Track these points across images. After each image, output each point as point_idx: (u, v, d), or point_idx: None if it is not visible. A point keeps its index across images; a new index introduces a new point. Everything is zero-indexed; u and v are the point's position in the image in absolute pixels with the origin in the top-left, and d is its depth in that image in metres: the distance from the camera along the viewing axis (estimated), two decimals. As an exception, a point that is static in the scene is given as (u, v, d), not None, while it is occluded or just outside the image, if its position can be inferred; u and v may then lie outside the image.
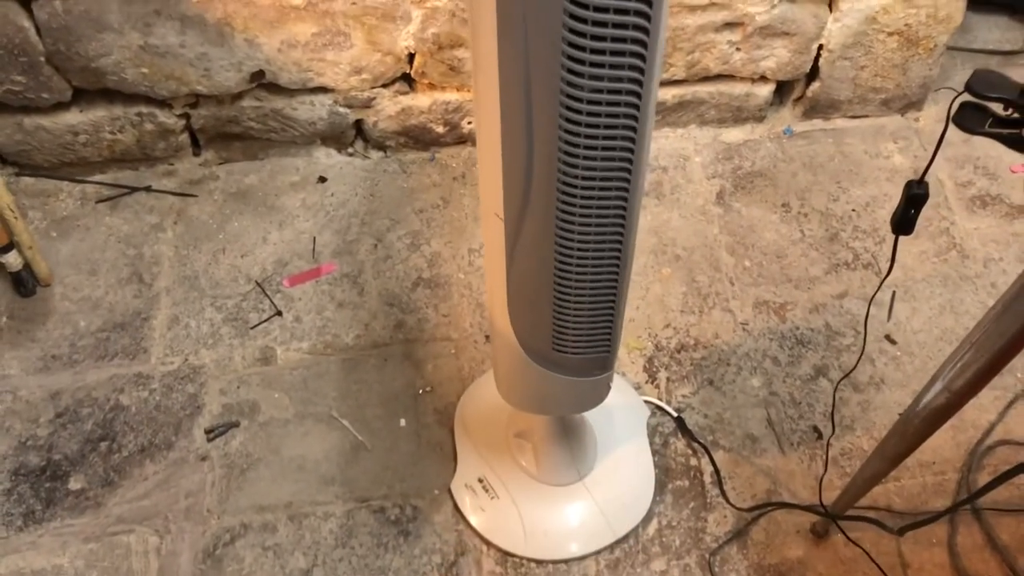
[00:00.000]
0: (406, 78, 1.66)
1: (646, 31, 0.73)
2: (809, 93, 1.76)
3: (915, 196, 0.87)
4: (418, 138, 1.77)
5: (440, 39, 1.58)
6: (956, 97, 0.79)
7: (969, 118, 0.78)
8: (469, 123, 1.74)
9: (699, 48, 1.63)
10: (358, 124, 1.74)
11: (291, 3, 1.49)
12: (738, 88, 1.73)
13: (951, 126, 0.81)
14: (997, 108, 0.78)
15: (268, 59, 1.57)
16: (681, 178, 1.77)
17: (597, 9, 0.70)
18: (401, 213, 1.72)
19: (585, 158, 0.81)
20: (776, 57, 1.67)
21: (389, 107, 1.70)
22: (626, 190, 0.85)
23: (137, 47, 1.52)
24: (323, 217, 1.71)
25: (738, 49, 1.64)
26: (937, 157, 1.67)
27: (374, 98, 1.68)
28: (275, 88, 1.64)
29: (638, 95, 0.77)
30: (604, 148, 0.80)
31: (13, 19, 1.46)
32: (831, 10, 1.61)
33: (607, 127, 0.80)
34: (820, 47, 1.67)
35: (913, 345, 1.53)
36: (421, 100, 1.69)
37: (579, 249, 0.89)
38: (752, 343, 1.54)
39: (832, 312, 1.58)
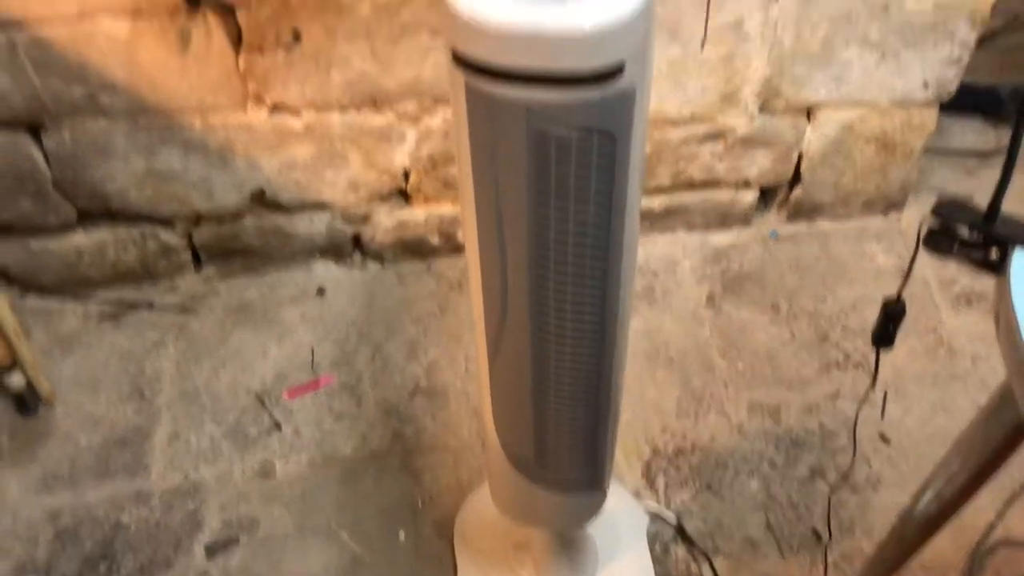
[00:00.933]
0: (402, 193, 1.72)
1: (611, 168, 0.77)
2: (792, 197, 1.81)
3: (893, 312, 0.90)
4: (415, 249, 1.81)
5: (434, 157, 1.63)
6: (923, 222, 0.83)
7: (938, 242, 0.82)
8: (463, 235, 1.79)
9: (683, 159, 1.69)
10: (356, 237, 1.79)
11: (291, 128, 1.55)
12: (723, 194, 1.79)
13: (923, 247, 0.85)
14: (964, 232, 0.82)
15: (269, 179, 1.63)
16: (671, 282, 1.81)
17: (559, 143, 0.75)
18: (399, 322, 1.75)
19: (556, 281, 0.85)
20: (758, 165, 1.73)
21: (386, 221, 1.75)
22: (600, 312, 0.88)
23: (142, 172, 1.58)
24: (322, 329, 1.74)
25: (721, 159, 1.70)
26: (923, 256, 1.71)
27: (371, 213, 1.73)
28: (275, 206, 1.69)
29: (606, 225, 0.81)
30: (574, 273, 0.84)
31: (23, 149, 1.52)
32: (809, 120, 1.68)
33: (575, 255, 0.84)
34: (800, 155, 1.73)
35: (907, 444, 1.55)
36: (417, 213, 1.75)
37: (555, 367, 0.92)
38: (748, 446, 1.55)
39: (826, 413, 1.60)
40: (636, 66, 0.72)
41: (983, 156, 2.00)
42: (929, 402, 1.60)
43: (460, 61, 0.75)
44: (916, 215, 1.91)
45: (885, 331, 0.91)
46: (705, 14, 1.45)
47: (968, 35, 1.54)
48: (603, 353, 0.96)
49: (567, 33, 0.68)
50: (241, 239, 1.75)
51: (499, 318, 0.95)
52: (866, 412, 1.59)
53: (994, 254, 0.79)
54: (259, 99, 1.51)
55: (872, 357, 1.64)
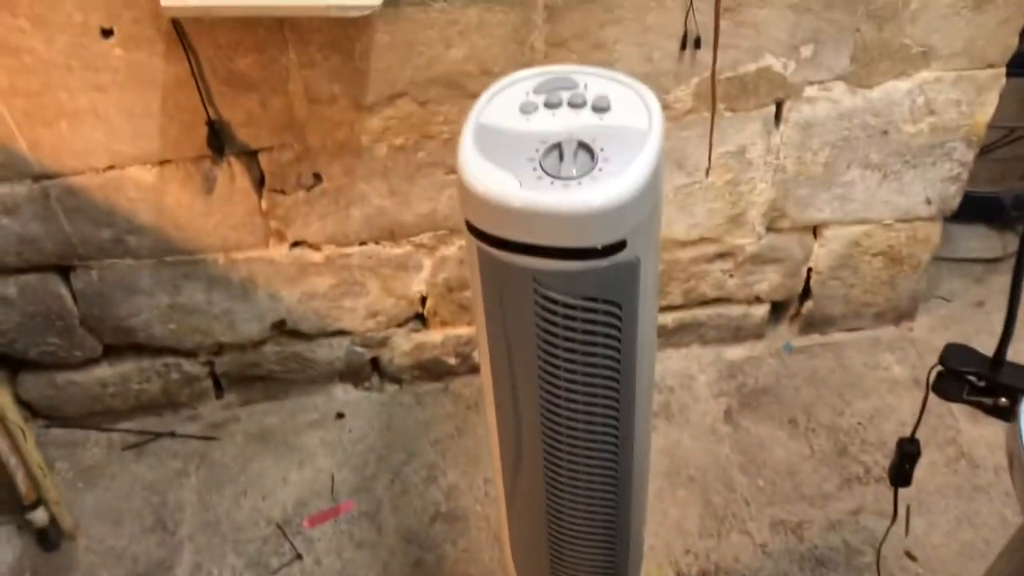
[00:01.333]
0: (419, 317, 1.75)
1: (617, 333, 0.81)
2: (804, 311, 1.84)
3: (908, 452, 0.91)
4: (431, 370, 1.83)
5: (450, 282, 1.67)
6: (933, 368, 0.85)
7: (947, 388, 0.84)
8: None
9: (694, 277, 1.73)
10: (374, 360, 1.81)
11: (311, 261, 1.60)
12: (735, 310, 1.81)
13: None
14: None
15: (289, 309, 1.67)
16: (688, 398, 1.82)
17: (566, 309, 0.78)
18: (417, 445, 1.76)
19: (567, 429, 0.88)
20: (769, 281, 1.76)
21: (404, 344, 1.78)
22: (613, 457, 0.91)
23: (166, 306, 1.62)
24: (341, 454, 1.75)
25: (731, 276, 1.74)
26: (934, 362, 1.72)
27: (389, 337, 1.76)
28: (295, 334, 1.73)
29: (615, 382, 0.84)
30: (585, 423, 0.88)
31: (52, 289, 1.56)
32: (816, 237, 1.71)
33: (585, 408, 0.87)
34: (809, 270, 1.77)
35: (934, 561, 1.53)
36: (434, 336, 1.78)
37: (570, 507, 0.95)
38: (772, 566, 1.54)
39: (849, 529, 1.59)
40: (640, 239, 0.76)
41: (989, 263, 2.03)
42: (954, 516, 1.59)
43: (473, 230, 0.80)
44: (927, 323, 1.92)
45: (901, 470, 0.92)
46: (709, 145, 1.50)
47: (965, 154, 1.59)
48: (619, 493, 0.97)
49: (569, 214, 0.72)
50: (262, 366, 1.78)
51: (514, 457, 0.97)
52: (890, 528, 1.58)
53: (1003, 401, 0.81)
54: (281, 236, 1.56)
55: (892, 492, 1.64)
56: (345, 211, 1.54)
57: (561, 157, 0.74)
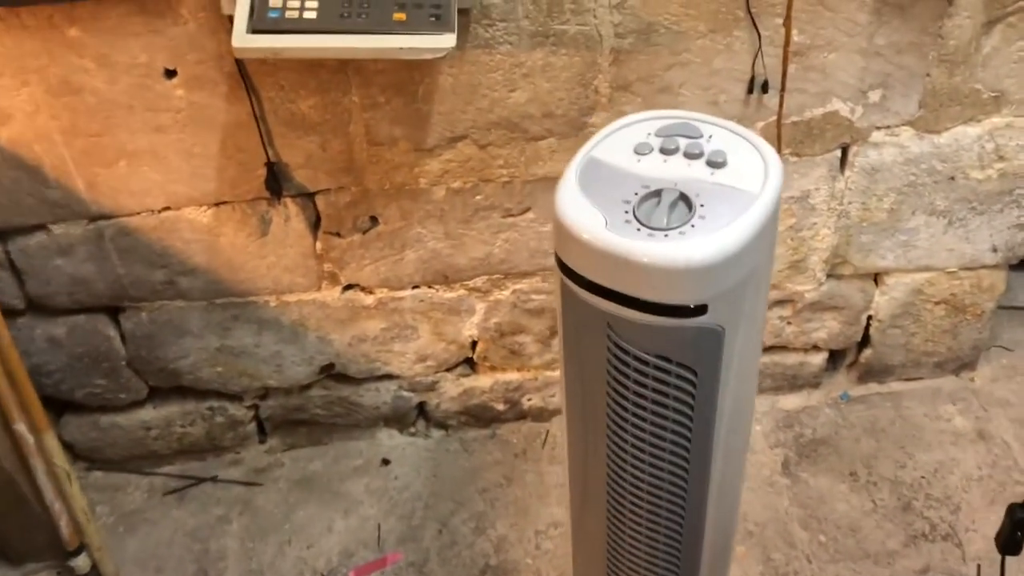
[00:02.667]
0: (468, 361, 1.72)
1: (691, 400, 0.77)
2: (862, 359, 1.79)
3: (1021, 520, 0.86)
4: (479, 416, 1.80)
5: (502, 327, 1.64)
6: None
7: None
8: (529, 400, 1.77)
9: (752, 325, 1.68)
10: (420, 405, 1.78)
11: (362, 303, 1.57)
12: (792, 358, 1.77)
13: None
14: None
15: (338, 353, 1.64)
16: (743, 448, 1.77)
17: (638, 361, 0.75)
18: (465, 494, 1.71)
19: (632, 481, 0.85)
20: (827, 328, 1.72)
21: (452, 389, 1.74)
22: (678, 520, 0.87)
23: (214, 349, 1.59)
24: (387, 502, 1.71)
25: (789, 323, 1.69)
26: (1001, 417, 1.67)
27: (437, 381, 1.73)
28: (343, 378, 1.69)
29: (684, 448, 0.80)
30: (651, 483, 0.84)
31: (101, 330, 1.54)
32: (877, 284, 1.67)
33: (652, 463, 0.84)
34: (869, 317, 1.72)
35: (1008, 624, 1.46)
36: (483, 381, 1.74)
37: (630, 556, 0.91)
38: (838, 628, 1.48)
39: (917, 589, 1.52)
40: (726, 307, 0.72)
41: (1051, 311, 1.98)
42: (1026, 577, 1.53)
43: (558, 261, 0.77)
44: (989, 373, 1.87)
45: (1012, 537, 0.87)
46: (773, 188, 1.47)
47: (1035, 200, 1.55)
48: (682, 559, 0.93)
49: (645, 265, 0.69)
50: (307, 410, 1.74)
51: (581, 499, 0.94)
52: (960, 589, 1.52)
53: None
54: (334, 278, 1.53)
55: (961, 520, 1.58)
56: (399, 254, 1.51)
57: (658, 205, 0.71)
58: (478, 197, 1.45)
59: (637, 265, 0.69)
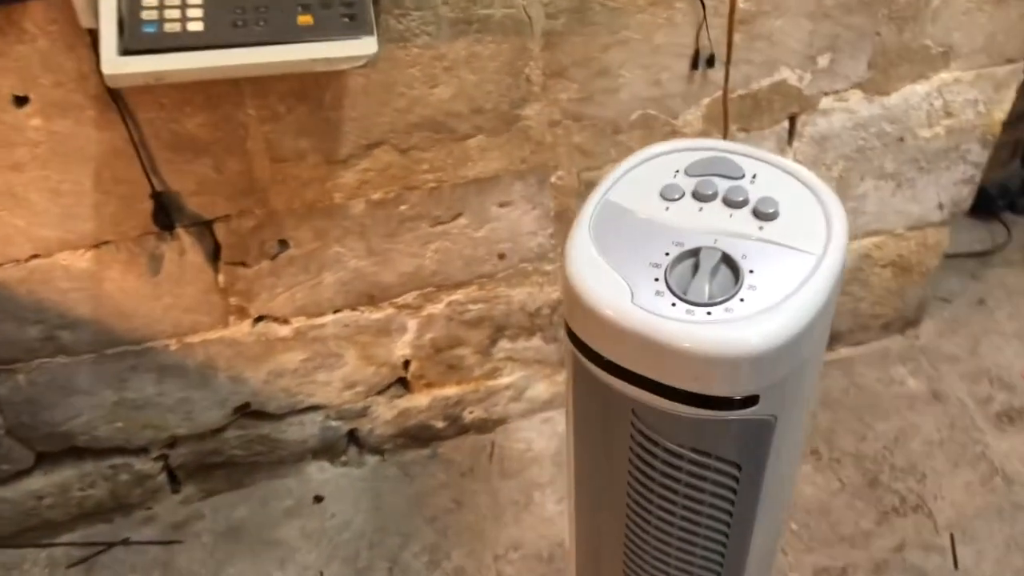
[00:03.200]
0: (402, 382, 1.56)
1: (733, 490, 0.64)
2: (811, 330, 1.71)
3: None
4: (417, 436, 1.64)
5: (438, 343, 1.49)
6: None
7: None
8: (471, 412, 1.63)
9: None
10: (351, 433, 1.61)
11: (278, 335, 1.38)
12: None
13: None
14: None
15: (254, 391, 1.45)
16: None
17: (669, 454, 0.62)
18: (411, 525, 1.57)
19: None
20: (776, 304, 1.62)
21: (385, 412, 1.58)
22: None
23: (111, 404, 1.39)
24: (327, 545, 1.54)
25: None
26: (952, 375, 1.62)
27: (369, 406, 1.56)
28: (261, 415, 1.51)
29: (720, 543, 0.68)
30: None
31: (-30, 402, 1.31)
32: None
33: (679, 565, 0.71)
34: (818, 288, 1.64)
35: (990, 594, 1.43)
36: (419, 400, 1.58)
37: None
38: (824, 621, 1.41)
39: (896, 569, 1.47)
40: (781, 395, 0.59)
41: (982, 256, 1.95)
42: (1000, 540, 1.49)
43: (569, 333, 0.62)
44: (933, 328, 1.83)
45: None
46: (721, 168, 1.35)
47: (980, 155, 1.49)
48: None
49: (685, 352, 0.55)
50: (223, 452, 1.55)
51: None
52: (937, 562, 1.47)
53: None
54: (242, 312, 1.34)
55: (929, 488, 1.53)
56: (316, 278, 1.33)
57: (695, 270, 0.57)
58: (403, 207, 1.29)
59: (675, 351, 0.55)
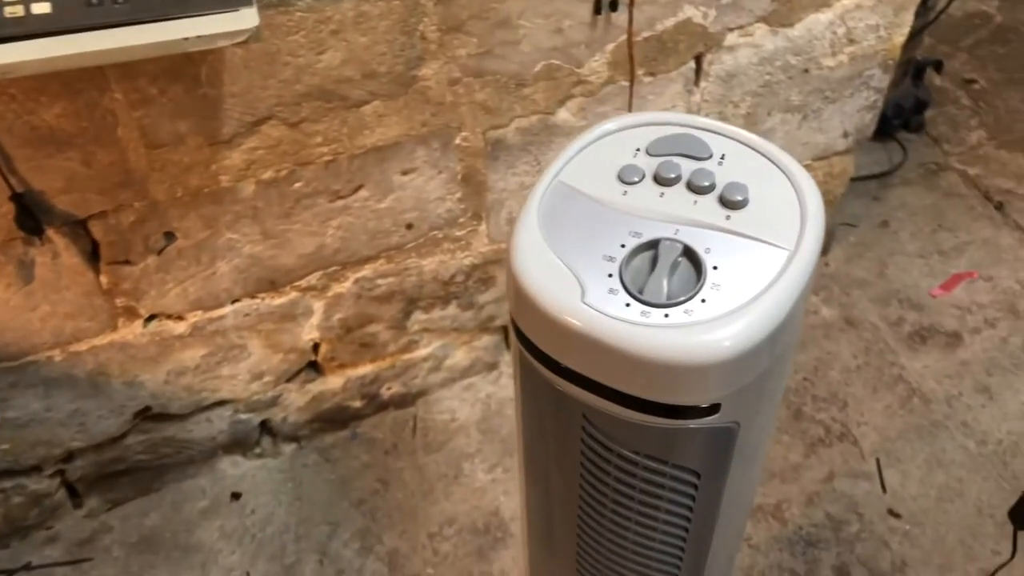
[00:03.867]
0: (313, 365, 1.47)
1: (691, 496, 0.60)
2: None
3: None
4: (334, 419, 1.57)
5: (348, 322, 1.40)
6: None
7: None
8: (389, 388, 1.56)
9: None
10: (264, 423, 1.52)
11: (173, 333, 1.28)
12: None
13: None
14: None
15: (154, 393, 1.34)
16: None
17: (623, 460, 0.57)
18: (338, 511, 1.50)
19: None
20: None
21: (298, 399, 1.49)
22: None
23: (-8, 427, 1.26)
24: (250, 543, 1.46)
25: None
26: (863, 300, 1.63)
27: (279, 395, 1.47)
28: (165, 417, 1.40)
29: (676, 552, 0.64)
30: None
31: None
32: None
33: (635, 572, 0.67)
34: (730, 226, 1.62)
35: (918, 514, 1.46)
36: (333, 382, 1.50)
37: None
38: (763, 560, 1.42)
39: (828, 499, 1.48)
40: (745, 401, 0.54)
41: (881, 177, 1.97)
42: (923, 459, 1.52)
43: (517, 331, 0.56)
44: (840, 255, 1.84)
45: (1032, 513, 0.78)
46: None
47: (882, 80, 1.47)
48: None
49: (639, 357, 0.49)
50: (126, 459, 1.44)
51: None
52: (865, 487, 1.49)
53: None
54: (131, 313, 1.23)
55: (851, 415, 1.55)
56: (210, 268, 1.22)
57: (653, 265, 0.51)
58: (297, 184, 1.18)
59: (627, 357, 0.49)
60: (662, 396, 0.51)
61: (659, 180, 0.54)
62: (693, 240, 0.51)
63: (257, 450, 1.56)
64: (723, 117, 1.40)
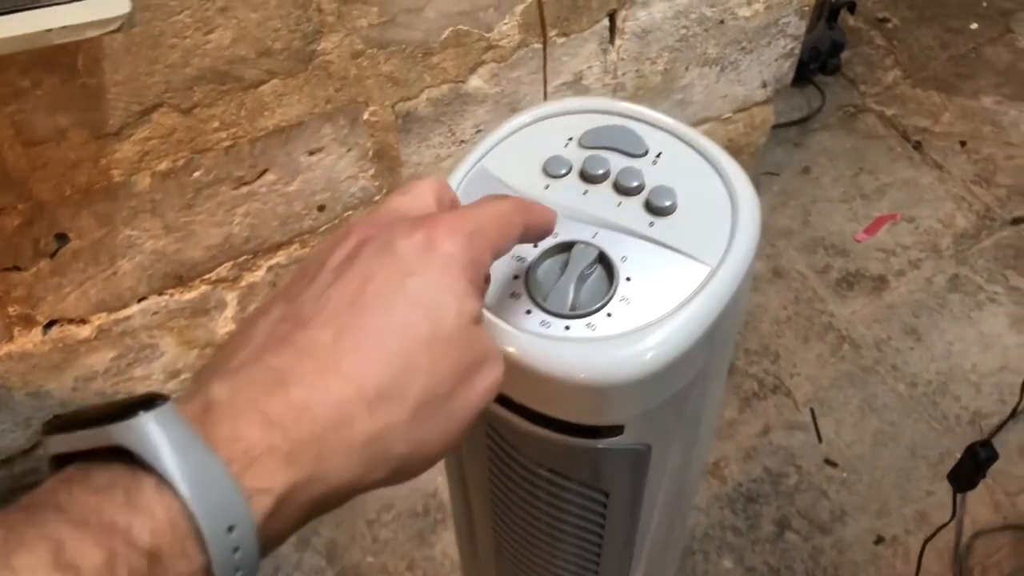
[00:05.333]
0: (231, 358, 1.40)
1: (601, 514, 0.57)
2: (651, 227, 1.67)
3: (983, 459, 0.76)
4: (259, 409, 1.50)
5: (265, 312, 1.33)
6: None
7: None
8: (314, 375, 1.50)
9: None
10: (185, 420, 1.45)
11: (77, 338, 1.20)
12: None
13: None
14: None
15: (63, 402, 1.26)
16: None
17: (528, 475, 0.54)
18: (271, 505, 1.44)
19: None
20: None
21: (219, 393, 1.43)
22: None
23: None
24: (181, 546, 1.40)
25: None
26: (789, 249, 1.62)
27: (199, 390, 1.40)
28: (76, 424, 1.32)
29: (590, 568, 0.61)
30: None
31: None
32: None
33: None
34: (654, 185, 1.59)
35: (854, 461, 1.47)
36: (254, 373, 1.44)
37: None
38: (706, 519, 1.42)
39: (765, 453, 1.49)
40: (657, 422, 0.50)
41: (800, 123, 1.96)
42: (855, 407, 1.53)
43: None
44: (765, 204, 1.82)
45: (972, 477, 0.77)
46: (543, 80, 1.25)
47: (798, 27, 1.45)
48: None
49: (534, 370, 0.45)
50: (40, 472, 1.36)
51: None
52: (801, 438, 1.50)
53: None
54: (28, 321, 1.14)
55: (783, 367, 1.55)
56: (110, 269, 1.15)
57: (562, 271, 0.46)
58: (196, 173, 1.11)
59: (521, 369, 0.45)
60: (559, 413, 0.47)
61: (585, 176, 0.50)
62: (610, 246, 0.47)
63: (181, 448, 1.49)
64: (641, 75, 1.36)
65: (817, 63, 1.96)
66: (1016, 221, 1.77)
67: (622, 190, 0.49)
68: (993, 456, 0.78)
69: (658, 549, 0.66)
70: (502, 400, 0.49)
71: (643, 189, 0.50)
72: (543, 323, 0.45)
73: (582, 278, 0.46)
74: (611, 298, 0.46)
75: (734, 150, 1.52)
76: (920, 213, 1.79)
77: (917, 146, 1.90)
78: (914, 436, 1.49)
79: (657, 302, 0.46)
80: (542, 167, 0.50)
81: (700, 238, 0.48)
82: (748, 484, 1.45)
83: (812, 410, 1.53)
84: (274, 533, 0.30)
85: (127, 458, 0.28)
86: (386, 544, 1.40)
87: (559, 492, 0.54)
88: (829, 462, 1.47)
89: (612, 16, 1.26)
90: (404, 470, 0.33)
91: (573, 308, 0.45)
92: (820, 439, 1.50)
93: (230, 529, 0.28)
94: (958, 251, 1.73)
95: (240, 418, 0.30)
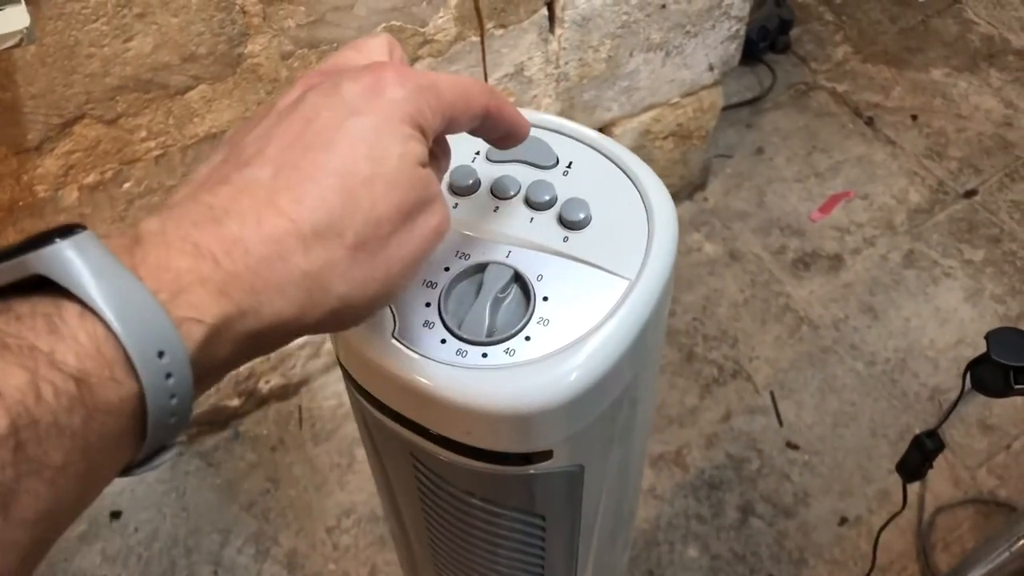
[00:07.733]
0: (179, 370, 1.37)
1: (540, 537, 0.55)
2: (604, 215, 1.65)
3: (928, 449, 0.75)
4: (212, 420, 1.48)
5: (210, 322, 1.30)
6: (969, 366, 0.67)
7: (992, 381, 0.66)
8: (267, 382, 1.47)
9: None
10: (136, 434, 1.41)
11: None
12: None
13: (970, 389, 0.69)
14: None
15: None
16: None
17: (455, 499, 0.52)
18: (228, 517, 1.42)
19: None
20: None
21: (169, 406, 1.39)
22: None
23: None
24: (136, 563, 1.38)
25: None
26: (745, 231, 1.61)
27: (148, 404, 1.37)
28: (21, 446, 1.29)
29: None
30: None
31: None
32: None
33: None
34: (605, 173, 1.57)
35: (815, 442, 1.47)
36: (204, 383, 1.40)
37: None
38: (670, 508, 1.41)
39: (726, 439, 1.48)
40: (590, 443, 0.49)
41: (753, 103, 1.94)
42: (815, 388, 1.53)
43: (341, 368, 0.50)
44: (719, 188, 1.81)
45: (919, 467, 0.76)
46: (483, 73, 1.22)
47: (742, 8, 1.43)
48: None
49: (451, 403, 0.43)
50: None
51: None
52: (762, 422, 1.49)
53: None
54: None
55: (743, 351, 1.54)
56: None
57: (476, 295, 0.44)
58: (127, 185, 1.08)
59: (440, 402, 0.43)
60: (483, 443, 0.45)
61: (496, 192, 0.48)
62: (525, 265, 0.44)
63: (133, 463, 1.46)
64: (584, 63, 1.33)
65: (766, 42, 1.94)
66: (968, 194, 1.77)
67: (533, 205, 0.47)
68: (940, 446, 0.76)
69: (604, 561, 0.64)
70: (422, 431, 0.47)
71: (555, 202, 0.47)
72: (459, 352, 0.43)
73: (497, 301, 0.44)
74: (529, 320, 0.44)
75: (684, 135, 1.51)
76: (874, 190, 1.79)
77: (869, 122, 1.90)
78: (874, 415, 1.48)
79: (577, 321, 0.44)
80: (449, 183, 0.48)
81: (616, 250, 0.46)
82: (711, 471, 1.44)
83: (772, 393, 1.52)
84: (210, 365, 0.30)
85: (50, 289, 0.27)
86: (347, 550, 1.37)
87: (493, 519, 0.52)
88: (791, 445, 1.47)
89: (550, 5, 1.23)
90: (346, 312, 0.33)
91: (490, 334, 0.43)
92: (781, 422, 1.49)
93: (160, 355, 0.28)
94: (912, 227, 1.73)
95: (171, 248, 0.29)
